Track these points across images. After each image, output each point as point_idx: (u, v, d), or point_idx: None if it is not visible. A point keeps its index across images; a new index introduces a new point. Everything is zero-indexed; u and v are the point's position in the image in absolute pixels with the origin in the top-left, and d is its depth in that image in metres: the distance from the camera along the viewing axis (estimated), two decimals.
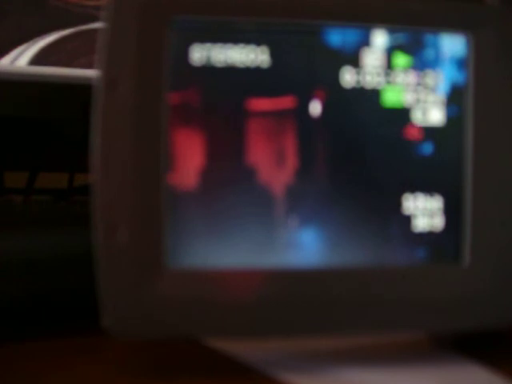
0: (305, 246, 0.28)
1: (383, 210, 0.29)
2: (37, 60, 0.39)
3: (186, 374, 0.28)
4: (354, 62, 0.29)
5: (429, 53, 0.29)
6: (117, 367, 0.29)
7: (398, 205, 0.29)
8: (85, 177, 0.36)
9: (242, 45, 0.28)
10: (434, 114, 0.29)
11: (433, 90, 0.29)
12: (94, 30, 0.40)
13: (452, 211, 0.29)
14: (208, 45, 0.28)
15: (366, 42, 0.29)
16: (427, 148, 0.29)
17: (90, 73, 0.38)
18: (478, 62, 0.29)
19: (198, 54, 0.28)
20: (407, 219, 0.29)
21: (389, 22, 0.29)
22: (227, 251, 0.28)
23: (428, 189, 0.29)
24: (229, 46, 0.28)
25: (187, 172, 0.28)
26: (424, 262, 0.29)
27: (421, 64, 0.29)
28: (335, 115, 0.29)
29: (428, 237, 0.29)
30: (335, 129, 0.29)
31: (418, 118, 0.29)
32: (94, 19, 0.40)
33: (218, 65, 0.28)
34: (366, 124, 0.29)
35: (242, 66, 0.28)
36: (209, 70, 0.28)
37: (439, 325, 0.29)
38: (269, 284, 0.28)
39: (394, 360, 0.29)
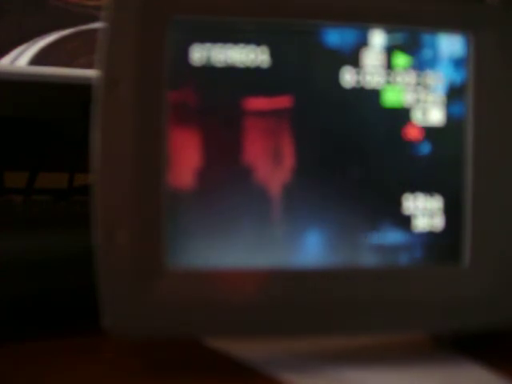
0: (303, 246, 0.28)
1: (383, 209, 0.29)
2: (37, 60, 0.39)
3: (186, 374, 0.28)
4: (354, 62, 0.29)
5: (429, 53, 0.29)
6: (117, 367, 0.29)
7: (398, 205, 0.29)
8: (85, 177, 0.36)
9: (242, 45, 0.28)
10: (433, 114, 0.29)
11: (433, 89, 0.29)
12: (94, 30, 0.40)
13: (452, 211, 0.29)
14: (208, 45, 0.28)
15: (365, 41, 0.29)
16: (427, 148, 0.29)
17: (90, 73, 0.38)
18: (477, 62, 0.29)
19: (198, 53, 0.28)
20: (407, 219, 0.29)
21: (388, 22, 0.29)
22: (226, 251, 0.28)
23: (428, 189, 0.29)
24: (229, 45, 0.28)
25: (186, 172, 0.28)
26: (424, 262, 0.29)
27: (421, 64, 0.29)
28: (334, 115, 0.29)
29: (428, 237, 0.29)
30: (334, 129, 0.29)
31: (418, 117, 0.29)
32: (94, 19, 0.40)
33: (218, 65, 0.28)
34: (365, 124, 0.29)
35: (241, 65, 0.28)
36: (209, 70, 0.28)
37: (439, 325, 0.29)
38: (268, 284, 0.28)
39: (394, 360, 0.29)
